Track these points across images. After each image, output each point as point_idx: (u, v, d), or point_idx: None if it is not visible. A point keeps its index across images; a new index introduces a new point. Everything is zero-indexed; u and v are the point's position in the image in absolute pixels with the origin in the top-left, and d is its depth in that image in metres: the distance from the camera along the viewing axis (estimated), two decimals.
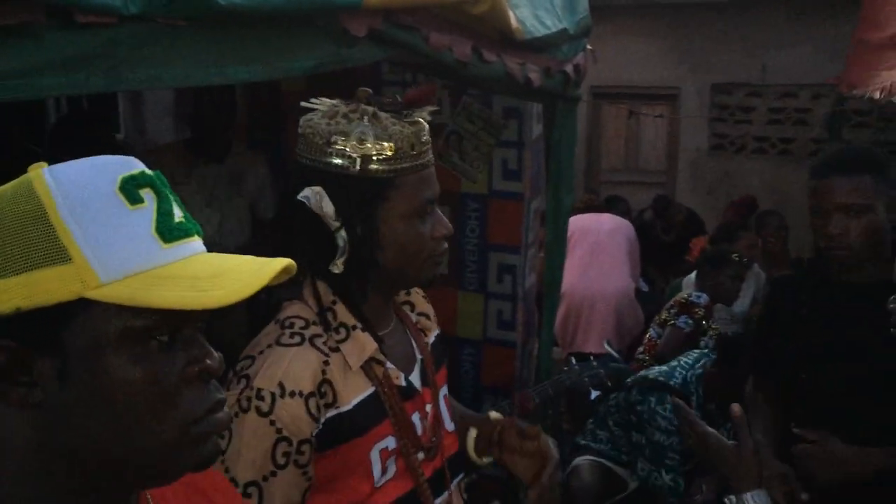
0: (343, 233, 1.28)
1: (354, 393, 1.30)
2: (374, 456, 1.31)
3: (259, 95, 3.45)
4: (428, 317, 1.53)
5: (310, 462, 1.26)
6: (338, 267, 1.29)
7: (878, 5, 4.12)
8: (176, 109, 4.09)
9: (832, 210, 1.95)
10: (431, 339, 1.52)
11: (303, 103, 1.33)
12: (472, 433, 1.58)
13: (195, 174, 3.13)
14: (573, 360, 2.77)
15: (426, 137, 1.32)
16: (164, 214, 0.74)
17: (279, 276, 0.78)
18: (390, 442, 1.33)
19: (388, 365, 1.35)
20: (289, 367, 1.24)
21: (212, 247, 2.89)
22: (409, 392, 1.39)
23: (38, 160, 0.76)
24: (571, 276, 4.79)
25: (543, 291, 3.10)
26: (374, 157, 1.25)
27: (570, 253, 4.82)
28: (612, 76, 7.98)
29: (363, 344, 1.31)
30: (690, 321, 3.90)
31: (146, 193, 0.74)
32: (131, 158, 0.76)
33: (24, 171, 0.74)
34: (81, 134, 2.79)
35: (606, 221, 5.13)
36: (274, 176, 3.30)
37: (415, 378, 1.42)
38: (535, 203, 3.27)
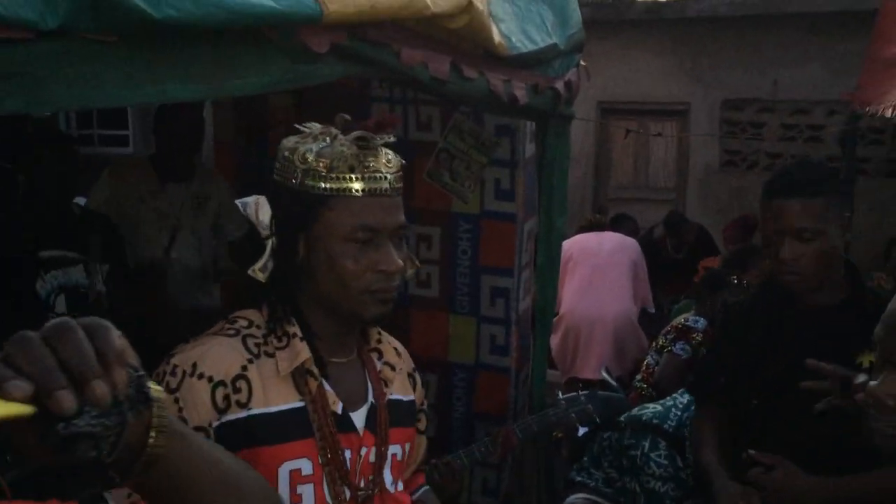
0: (273, 242, 1.29)
1: (277, 400, 1.26)
2: (283, 475, 1.25)
3: (249, 110, 3.35)
4: (393, 368, 1.44)
5: None
6: (257, 274, 1.29)
7: (891, 21, 4.02)
8: None
9: (782, 234, 1.89)
10: (394, 395, 1.42)
11: (297, 126, 1.35)
12: None
13: (158, 191, 3.04)
14: (560, 395, 2.64)
15: (375, 164, 1.28)
16: None
17: None
18: (305, 465, 1.26)
19: (326, 386, 1.30)
20: (208, 351, 1.25)
21: (161, 265, 2.75)
22: (344, 424, 1.31)
23: None
24: (571, 298, 4.65)
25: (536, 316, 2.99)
26: (313, 173, 1.27)
27: (570, 274, 4.70)
28: (620, 92, 7.89)
29: (298, 352, 1.28)
30: (688, 347, 3.72)
31: None
32: None
33: None
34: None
35: (608, 241, 4.96)
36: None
37: (357, 417, 1.34)
38: (529, 224, 3.16)
